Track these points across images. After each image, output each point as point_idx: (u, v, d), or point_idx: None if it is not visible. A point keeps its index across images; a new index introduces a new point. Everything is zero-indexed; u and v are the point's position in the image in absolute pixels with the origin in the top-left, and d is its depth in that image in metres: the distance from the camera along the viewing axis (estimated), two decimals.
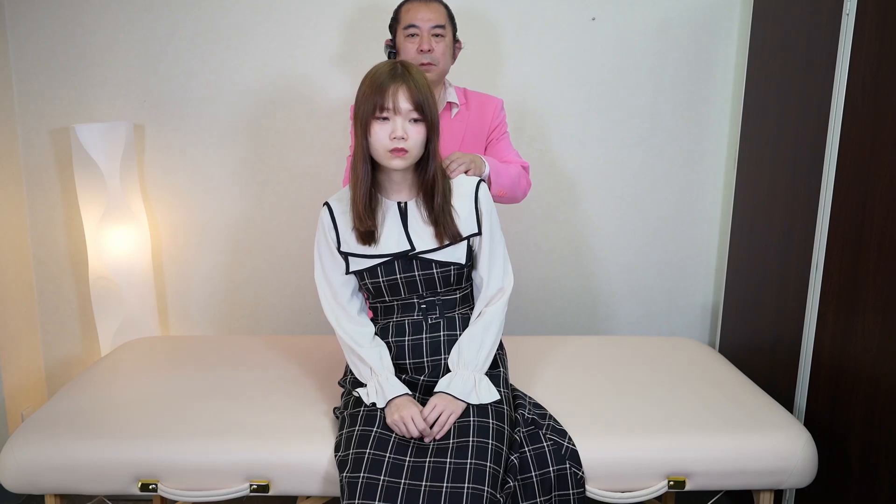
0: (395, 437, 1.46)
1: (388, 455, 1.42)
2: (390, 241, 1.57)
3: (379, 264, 1.57)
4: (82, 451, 1.53)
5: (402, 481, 1.38)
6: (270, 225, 2.50)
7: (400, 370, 1.60)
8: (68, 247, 2.50)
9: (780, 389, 1.93)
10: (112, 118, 2.41)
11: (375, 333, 1.64)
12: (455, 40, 1.95)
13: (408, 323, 1.61)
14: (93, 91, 2.40)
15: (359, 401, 1.56)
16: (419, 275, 1.57)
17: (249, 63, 2.39)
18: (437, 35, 1.87)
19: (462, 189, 1.61)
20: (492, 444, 1.43)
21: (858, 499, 1.63)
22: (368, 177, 1.54)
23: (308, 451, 1.53)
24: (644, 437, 1.56)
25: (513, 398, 1.64)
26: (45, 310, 2.54)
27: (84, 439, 1.55)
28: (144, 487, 1.53)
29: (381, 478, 1.37)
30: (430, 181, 1.55)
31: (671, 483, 1.54)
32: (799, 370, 1.85)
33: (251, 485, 1.53)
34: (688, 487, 1.55)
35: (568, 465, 1.49)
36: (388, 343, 1.61)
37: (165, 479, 1.53)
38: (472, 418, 1.48)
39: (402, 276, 1.57)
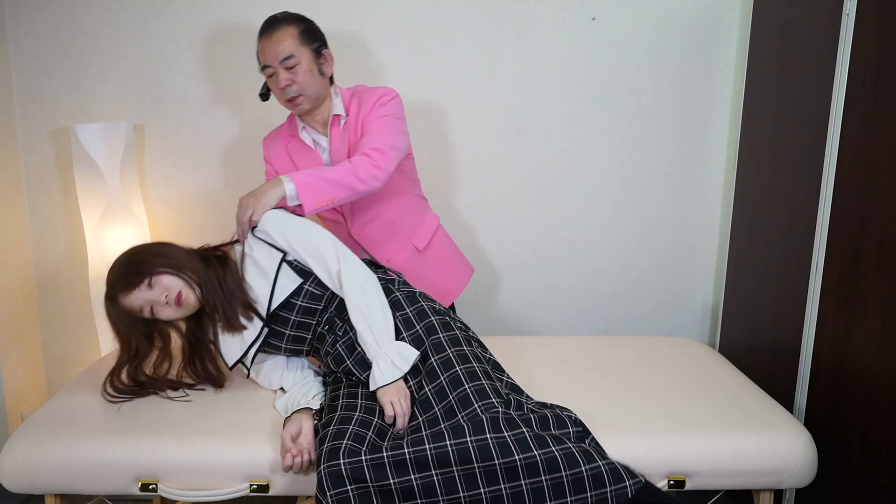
0: (376, 422, 1.50)
1: (369, 433, 1.46)
2: (254, 322, 1.66)
3: (265, 344, 1.69)
4: (82, 451, 1.53)
5: (385, 444, 1.42)
6: None
7: (347, 374, 1.65)
8: (68, 247, 2.50)
9: (780, 389, 1.93)
10: (112, 118, 2.41)
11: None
12: (318, 55, 1.85)
13: (327, 345, 1.68)
14: (93, 91, 2.40)
15: (335, 398, 1.60)
16: (296, 319, 1.66)
17: (250, 63, 2.39)
18: (289, 67, 1.79)
19: (239, 247, 1.70)
20: (445, 377, 1.52)
21: (858, 499, 1.63)
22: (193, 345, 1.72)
23: None
24: (644, 437, 1.56)
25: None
26: (45, 310, 2.54)
27: (84, 439, 1.55)
28: (144, 487, 1.53)
29: (364, 448, 1.40)
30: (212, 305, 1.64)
31: (671, 483, 1.54)
32: (799, 370, 1.85)
33: (251, 485, 1.53)
34: (688, 487, 1.55)
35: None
36: (328, 361, 1.69)
37: (165, 479, 1.53)
38: (413, 381, 1.57)
39: (290, 331, 1.67)
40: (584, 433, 1.48)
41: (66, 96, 2.40)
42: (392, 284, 1.73)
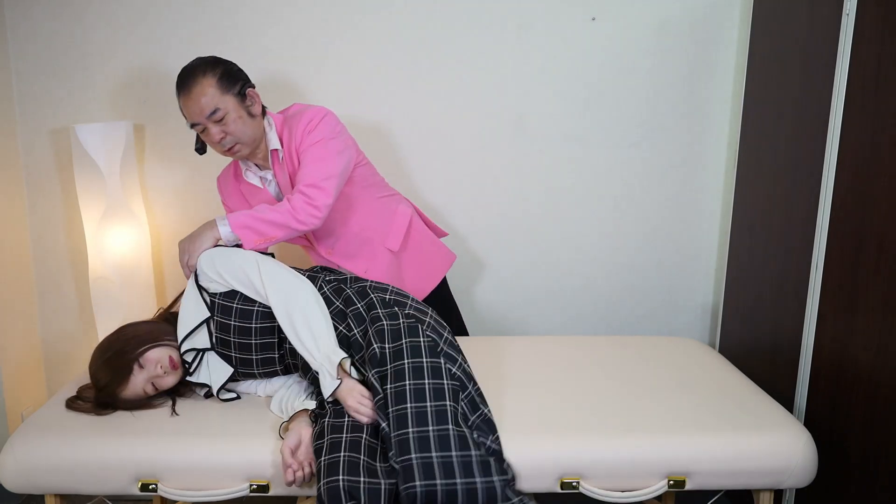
0: (366, 433, 1.51)
1: (364, 436, 1.48)
2: (216, 370, 1.70)
3: (234, 374, 1.70)
4: (82, 451, 1.53)
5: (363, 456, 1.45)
6: None
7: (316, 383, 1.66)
8: (68, 247, 2.50)
9: (780, 389, 1.93)
10: (112, 118, 2.41)
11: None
12: (243, 98, 1.80)
13: (299, 357, 1.67)
14: (93, 91, 2.40)
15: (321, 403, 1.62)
16: (258, 342, 1.67)
17: (249, 63, 2.38)
18: (217, 120, 1.75)
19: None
20: (394, 390, 1.51)
21: (858, 499, 1.63)
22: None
23: None
24: (644, 437, 1.56)
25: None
26: (45, 310, 2.54)
27: (84, 439, 1.55)
28: (144, 487, 1.53)
29: (362, 457, 1.42)
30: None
31: (671, 483, 1.54)
32: (799, 370, 1.85)
33: (251, 485, 1.53)
34: (688, 487, 1.55)
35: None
36: (300, 373, 1.72)
37: (165, 479, 1.53)
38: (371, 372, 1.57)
39: (256, 354, 1.68)
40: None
41: (66, 96, 2.40)
42: (344, 284, 1.75)
